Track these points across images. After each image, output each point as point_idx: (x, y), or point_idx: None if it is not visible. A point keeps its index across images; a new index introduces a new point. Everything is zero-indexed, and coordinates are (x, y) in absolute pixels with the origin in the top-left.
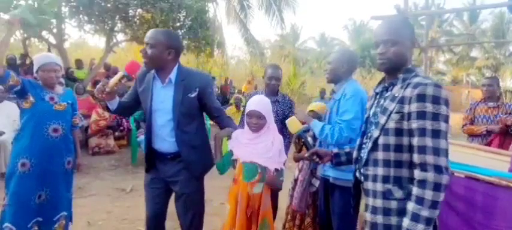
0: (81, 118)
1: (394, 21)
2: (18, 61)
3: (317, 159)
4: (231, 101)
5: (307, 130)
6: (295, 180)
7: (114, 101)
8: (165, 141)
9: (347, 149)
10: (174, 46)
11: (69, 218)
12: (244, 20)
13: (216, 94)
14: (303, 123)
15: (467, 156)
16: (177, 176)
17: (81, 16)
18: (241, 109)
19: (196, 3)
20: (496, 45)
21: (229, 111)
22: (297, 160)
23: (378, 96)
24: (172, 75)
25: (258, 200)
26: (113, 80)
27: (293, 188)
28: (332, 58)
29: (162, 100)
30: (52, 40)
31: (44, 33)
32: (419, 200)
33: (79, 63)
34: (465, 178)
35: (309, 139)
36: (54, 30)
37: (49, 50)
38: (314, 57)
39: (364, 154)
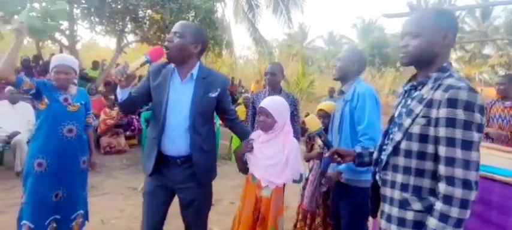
0: (94, 118)
1: (425, 12)
2: (31, 63)
3: (338, 159)
4: (240, 101)
5: (326, 129)
6: (306, 179)
7: (126, 90)
8: (176, 142)
9: (371, 149)
10: (202, 40)
11: (85, 216)
12: (252, 20)
13: None
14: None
15: (483, 156)
16: (186, 183)
17: (92, 18)
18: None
19: (204, 4)
20: (509, 42)
21: (239, 110)
22: (307, 159)
23: (406, 95)
24: (194, 71)
25: (265, 204)
26: (135, 64)
27: (304, 188)
28: (342, 56)
29: (180, 97)
30: (65, 41)
31: (57, 35)
32: (444, 218)
33: (95, 64)
34: (481, 178)
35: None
36: (67, 32)
37: (61, 51)
38: (322, 56)
39: (384, 156)
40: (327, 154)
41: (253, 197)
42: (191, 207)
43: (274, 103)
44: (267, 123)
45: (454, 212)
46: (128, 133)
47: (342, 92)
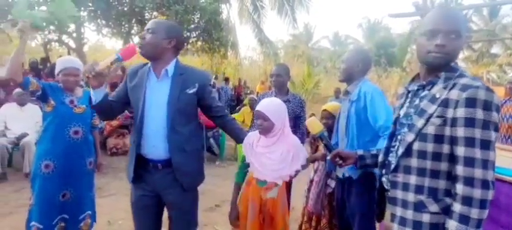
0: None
1: (455, 11)
2: (39, 66)
3: (340, 161)
4: (245, 102)
5: (330, 130)
6: (311, 181)
7: (101, 90)
8: (156, 145)
9: (373, 151)
10: (175, 36)
11: (93, 217)
12: (257, 21)
13: (230, 94)
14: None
15: None
16: (169, 188)
17: (99, 20)
18: None
19: (210, 5)
20: None
21: (244, 111)
22: (312, 161)
23: (410, 95)
24: (169, 67)
25: (272, 205)
26: (105, 61)
27: (309, 190)
28: (346, 57)
29: (156, 96)
30: (72, 44)
31: (64, 37)
32: (464, 219)
33: None
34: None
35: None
36: (74, 35)
37: (69, 54)
38: (328, 57)
39: (392, 158)
40: (328, 157)
41: (258, 201)
42: (175, 211)
43: (270, 106)
44: (264, 127)
45: (474, 213)
46: None
47: (347, 92)
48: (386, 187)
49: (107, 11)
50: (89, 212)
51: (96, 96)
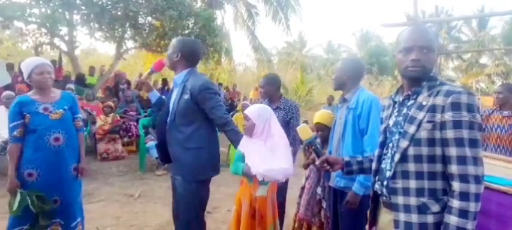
0: (83, 120)
1: (425, 28)
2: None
3: (327, 167)
4: (238, 108)
5: (317, 137)
6: (302, 188)
7: (152, 94)
8: (168, 138)
9: (359, 157)
10: (181, 50)
11: (82, 224)
12: (252, 27)
13: (223, 100)
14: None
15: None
16: (176, 175)
17: (92, 24)
18: None
19: (204, 11)
20: (506, 52)
21: (237, 117)
22: (305, 167)
23: (396, 105)
24: (178, 77)
25: (263, 204)
26: (145, 74)
27: (300, 196)
28: (338, 66)
29: (171, 100)
30: (64, 47)
31: (56, 40)
32: (464, 214)
33: (92, 70)
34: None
35: (319, 146)
36: (66, 38)
37: (60, 57)
38: (321, 64)
39: (386, 165)
40: (317, 163)
41: (249, 198)
42: (177, 196)
43: (252, 108)
44: (247, 127)
45: (472, 206)
46: (125, 139)
47: (344, 100)
48: (380, 192)
49: (100, 14)
50: (80, 218)
51: (152, 98)
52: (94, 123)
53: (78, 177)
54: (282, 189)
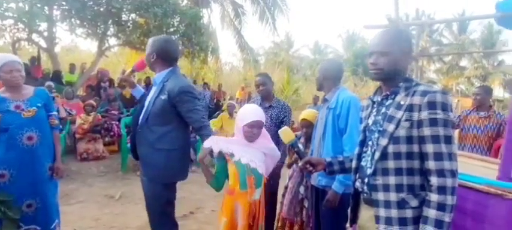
0: (62, 119)
1: (388, 32)
2: None
3: (310, 168)
4: (224, 108)
5: (299, 138)
6: (285, 187)
7: (136, 90)
8: (138, 138)
9: (340, 158)
10: (156, 50)
11: (59, 226)
12: (239, 27)
13: (208, 100)
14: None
15: (459, 164)
16: (143, 176)
17: (73, 20)
18: (235, 116)
19: (190, 9)
20: (484, 55)
21: (223, 117)
22: (289, 166)
23: (375, 105)
24: (158, 77)
25: (258, 206)
26: (127, 72)
27: (283, 196)
28: (319, 67)
29: (148, 98)
30: (43, 44)
31: (34, 36)
32: (442, 207)
33: (72, 67)
34: (457, 186)
35: (300, 146)
36: (45, 34)
37: (39, 54)
38: (308, 64)
39: (366, 163)
40: (300, 164)
41: (247, 205)
42: (145, 197)
43: (261, 113)
44: (258, 134)
45: (449, 199)
46: (107, 139)
47: (325, 100)
48: (361, 190)
49: (82, 10)
50: (57, 220)
51: (136, 94)
52: (73, 122)
53: (53, 177)
54: (273, 180)
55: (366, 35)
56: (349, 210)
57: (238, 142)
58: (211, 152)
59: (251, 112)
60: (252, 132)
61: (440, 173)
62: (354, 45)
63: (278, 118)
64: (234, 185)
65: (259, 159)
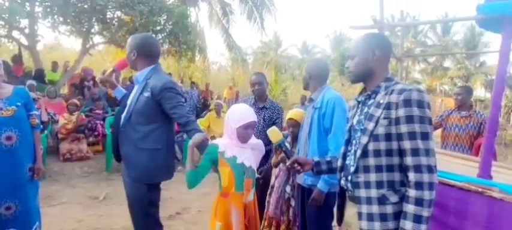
0: (53, 119)
1: (359, 37)
2: None
3: (298, 167)
4: (211, 107)
5: (286, 137)
6: (272, 187)
7: (117, 90)
8: (121, 137)
9: (328, 158)
10: (136, 48)
11: (40, 228)
12: (227, 26)
13: (196, 99)
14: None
15: (440, 162)
16: (126, 177)
17: (55, 16)
18: (222, 115)
19: (177, 7)
20: (467, 56)
21: (210, 116)
22: (275, 165)
23: (360, 105)
24: (140, 75)
25: (253, 207)
26: (107, 72)
27: (269, 195)
28: (305, 67)
29: (130, 97)
30: (24, 41)
31: (15, 33)
32: (419, 202)
33: (55, 66)
34: (439, 184)
35: (288, 146)
36: (26, 30)
37: (20, 51)
38: (296, 64)
39: (350, 161)
40: (287, 164)
41: (242, 207)
42: (127, 198)
43: (254, 113)
44: (250, 134)
45: (427, 195)
46: (91, 139)
47: (311, 100)
48: (345, 188)
49: (65, 7)
50: (38, 223)
51: (117, 95)
52: (56, 122)
53: (34, 178)
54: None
55: (353, 36)
56: (335, 208)
57: (231, 143)
58: (205, 143)
59: (245, 113)
60: (247, 133)
61: (417, 169)
62: (341, 45)
63: (271, 120)
64: (229, 188)
65: (252, 158)
